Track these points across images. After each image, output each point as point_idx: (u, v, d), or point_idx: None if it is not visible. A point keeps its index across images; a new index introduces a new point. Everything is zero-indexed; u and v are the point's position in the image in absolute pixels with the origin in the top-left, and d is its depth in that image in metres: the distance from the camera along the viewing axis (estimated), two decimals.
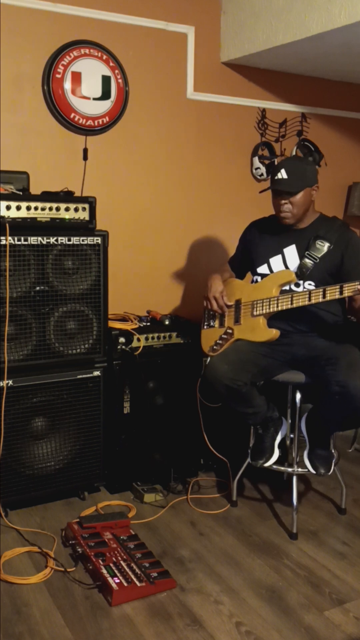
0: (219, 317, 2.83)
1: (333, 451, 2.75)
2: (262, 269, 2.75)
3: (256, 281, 2.75)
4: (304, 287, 2.63)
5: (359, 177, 4.03)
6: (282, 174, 2.58)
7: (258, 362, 2.63)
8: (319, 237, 2.64)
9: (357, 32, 2.78)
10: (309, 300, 2.48)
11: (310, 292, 2.48)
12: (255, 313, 2.65)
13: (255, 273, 2.78)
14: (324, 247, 2.62)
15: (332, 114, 3.87)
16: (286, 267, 2.69)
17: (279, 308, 2.57)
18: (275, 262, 2.72)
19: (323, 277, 2.61)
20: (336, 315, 2.70)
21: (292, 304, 2.53)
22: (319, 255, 2.62)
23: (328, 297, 2.43)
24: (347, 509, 2.90)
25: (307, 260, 2.63)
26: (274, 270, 2.71)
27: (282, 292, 2.62)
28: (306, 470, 2.69)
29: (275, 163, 3.64)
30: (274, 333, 2.60)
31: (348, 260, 2.60)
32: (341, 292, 2.39)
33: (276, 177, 2.60)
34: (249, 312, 2.68)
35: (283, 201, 2.62)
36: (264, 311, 2.62)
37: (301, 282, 2.64)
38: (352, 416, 2.47)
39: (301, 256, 2.66)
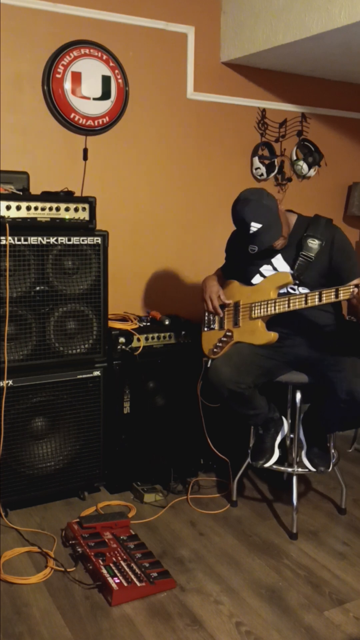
0: (218, 319, 2.82)
1: (333, 451, 2.75)
2: (256, 279, 2.71)
3: None
4: (299, 293, 2.61)
5: (359, 177, 4.03)
6: (255, 226, 2.45)
7: (261, 364, 2.62)
8: (309, 236, 2.59)
9: (357, 32, 2.79)
10: (306, 303, 2.46)
11: (307, 295, 2.46)
12: (253, 315, 2.64)
13: (250, 285, 2.75)
14: (315, 244, 2.58)
15: (332, 114, 3.87)
16: None
17: (277, 311, 2.55)
18: (267, 271, 2.69)
19: (317, 281, 2.58)
20: (335, 313, 2.70)
21: (289, 306, 2.51)
22: (313, 255, 2.58)
23: (324, 301, 2.41)
24: (347, 509, 2.90)
25: (301, 260, 2.60)
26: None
27: (280, 294, 2.60)
28: (306, 470, 2.69)
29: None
30: (273, 336, 2.59)
31: (335, 256, 2.57)
32: (337, 296, 2.36)
33: (251, 232, 2.47)
34: (247, 315, 2.67)
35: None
36: (262, 314, 2.61)
37: (296, 287, 2.62)
38: (355, 419, 2.48)
39: (291, 261, 2.62)
